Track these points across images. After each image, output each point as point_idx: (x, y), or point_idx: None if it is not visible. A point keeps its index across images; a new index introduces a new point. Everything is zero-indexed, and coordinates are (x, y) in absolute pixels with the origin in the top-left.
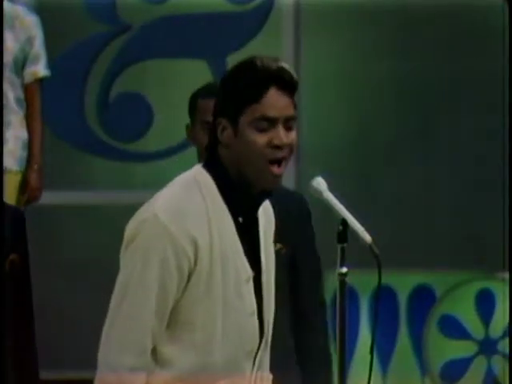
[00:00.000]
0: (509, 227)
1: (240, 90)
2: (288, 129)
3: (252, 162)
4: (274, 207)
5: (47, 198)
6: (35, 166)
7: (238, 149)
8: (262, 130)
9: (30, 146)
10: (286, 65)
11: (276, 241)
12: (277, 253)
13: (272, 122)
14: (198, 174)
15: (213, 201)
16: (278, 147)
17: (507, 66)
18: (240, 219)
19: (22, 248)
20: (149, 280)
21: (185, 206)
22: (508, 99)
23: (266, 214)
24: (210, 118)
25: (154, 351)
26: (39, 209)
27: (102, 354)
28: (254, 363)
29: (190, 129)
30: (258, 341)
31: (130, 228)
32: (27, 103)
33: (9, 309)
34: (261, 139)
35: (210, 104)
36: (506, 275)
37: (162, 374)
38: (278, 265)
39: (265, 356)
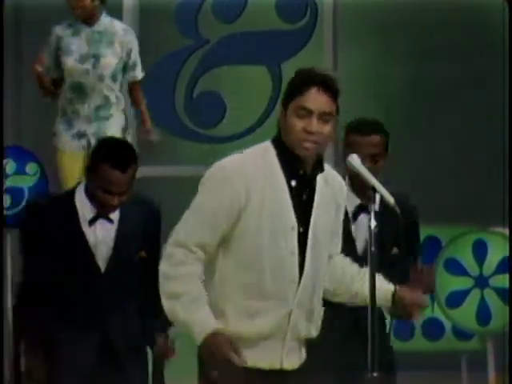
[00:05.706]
0: (502, 191)
1: (292, 86)
2: (323, 121)
3: (291, 139)
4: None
5: (147, 171)
6: (146, 125)
7: (284, 128)
8: (300, 117)
9: (141, 117)
10: (331, 73)
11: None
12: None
13: (309, 113)
14: (267, 146)
15: (271, 167)
16: (310, 132)
17: (507, 66)
18: (293, 183)
19: (153, 245)
20: (206, 206)
21: (246, 166)
22: (508, 99)
23: (329, 184)
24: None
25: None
26: (142, 180)
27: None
28: (296, 291)
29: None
30: (297, 275)
31: (207, 172)
32: (132, 97)
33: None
34: (298, 124)
35: None
36: (496, 229)
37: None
38: None
39: (312, 292)
